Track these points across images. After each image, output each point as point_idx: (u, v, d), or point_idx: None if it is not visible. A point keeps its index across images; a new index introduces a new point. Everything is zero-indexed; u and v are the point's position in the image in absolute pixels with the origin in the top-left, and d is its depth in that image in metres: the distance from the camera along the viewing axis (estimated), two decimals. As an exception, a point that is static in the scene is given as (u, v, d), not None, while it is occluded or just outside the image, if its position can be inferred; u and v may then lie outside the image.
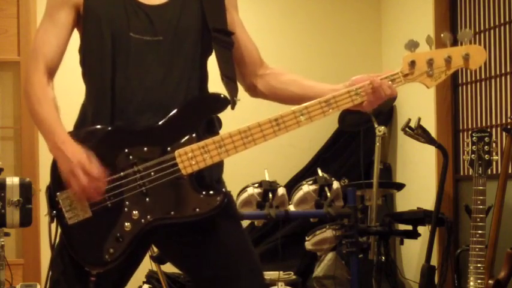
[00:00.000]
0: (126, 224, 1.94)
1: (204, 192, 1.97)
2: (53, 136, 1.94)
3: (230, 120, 2.11)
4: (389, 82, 2.05)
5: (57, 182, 1.95)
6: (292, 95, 2.12)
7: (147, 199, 1.95)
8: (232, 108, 2.04)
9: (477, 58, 2.08)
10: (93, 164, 1.91)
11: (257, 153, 4.57)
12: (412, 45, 2.07)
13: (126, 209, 1.95)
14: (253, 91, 2.21)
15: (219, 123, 2.09)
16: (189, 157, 1.95)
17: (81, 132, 2.00)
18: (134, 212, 1.95)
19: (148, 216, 1.95)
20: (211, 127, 2.04)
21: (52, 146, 1.95)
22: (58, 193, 1.95)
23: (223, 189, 2.05)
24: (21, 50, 4.94)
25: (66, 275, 2.00)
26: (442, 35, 2.09)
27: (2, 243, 3.75)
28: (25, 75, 2.08)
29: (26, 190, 3.69)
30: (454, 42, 2.11)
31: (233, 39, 2.12)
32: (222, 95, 2.02)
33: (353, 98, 2.04)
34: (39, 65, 2.01)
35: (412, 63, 2.05)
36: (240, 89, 2.13)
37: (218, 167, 2.06)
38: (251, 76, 2.19)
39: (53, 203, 1.96)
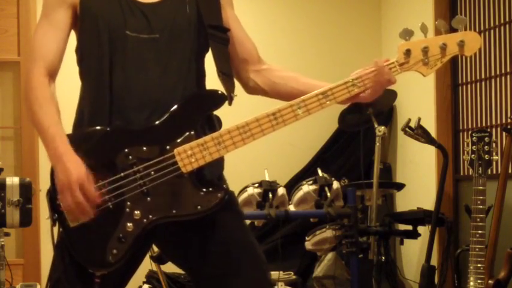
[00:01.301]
0: (128, 224, 1.94)
1: (204, 190, 1.97)
2: (52, 144, 1.92)
3: (228, 116, 2.11)
4: None
5: None
6: (292, 90, 2.11)
7: (148, 199, 1.95)
8: (230, 104, 2.03)
9: (472, 45, 2.07)
10: (91, 184, 1.90)
11: (257, 153, 4.58)
12: (407, 34, 2.07)
13: (127, 209, 1.94)
14: (251, 87, 2.20)
15: (219, 123, 2.09)
16: (189, 155, 1.95)
17: (80, 134, 2.00)
18: (136, 212, 1.94)
19: (150, 216, 1.95)
20: (210, 124, 2.04)
21: (51, 154, 1.93)
22: (59, 196, 1.94)
23: (224, 186, 2.05)
24: (21, 50, 4.94)
25: (68, 274, 2.00)
26: (436, 22, 2.09)
27: (2, 243, 3.74)
28: (25, 78, 2.07)
29: (26, 190, 3.69)
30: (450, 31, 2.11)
31: (229, 35, 2.12)
32: (219, 92, 2.02)
33: (349, 89, 2.04)
34: (40, 67, 2.00)
35: (408, 52, 2.05)
36: (237, 85, 2.13)
37: (218, 164, 2.06)
38: (248, 72, 2.18)
39: (54, 206, 1.95)
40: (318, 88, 2.04)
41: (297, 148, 5.12)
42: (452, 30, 2.11)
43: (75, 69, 2.10)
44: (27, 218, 3.69)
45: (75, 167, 1.89)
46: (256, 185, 3.92)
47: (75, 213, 1.91)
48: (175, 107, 1.98)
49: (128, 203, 1.95)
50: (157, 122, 1.97)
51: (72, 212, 1.91)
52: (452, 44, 2.07)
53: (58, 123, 1.96)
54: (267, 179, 3.96)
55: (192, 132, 1.97)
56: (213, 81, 2.10)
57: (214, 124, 2.06)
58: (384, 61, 2.07)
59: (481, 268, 3.09)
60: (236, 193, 3.84)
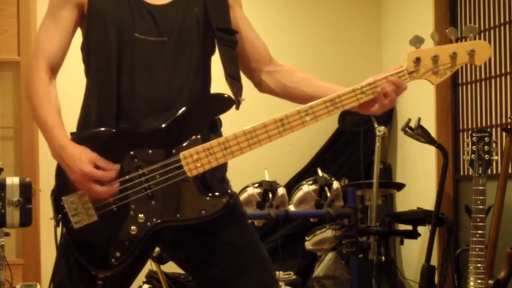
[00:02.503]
0: (132, 227, 1.93)
1: (209, 194, 1.96)
2: (52, 141, 1.93)
3: (234, 120, 2.10)
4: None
5: (62, 186, 1.94)
6: (303, 94, 2.10)
7: (153, 202, 1.94)
8: (237, 108, 2.02)
9: (482, 54, 2.05)
10: (100, 166, 1.90)
11: (257, 153, 4.58)
12: (417, 41, 2.02)
13: (132, 212, 1.94)
14: (262, 87, 2.19)
15: (220, 123, 2.08)
16: (194, 159, 1.94)
17: (85, 134, 1.99)
18: (140, 215, 1.94)
19: (154, 219, 1.94)
20: (215, 128, 2.04)
21: (52, 151, 1.94)
22: (63, 197, 1.94)
23: (228, 190, 2.04)
24: (21, 50, 4.94)
25: (71, 276, 1.99)
26: (447, 30, 2.05)
27: (2, 243, 3.74)
28: (27, 74, 2.07)
29: (26, 190, 3.69)
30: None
31: (237, 37, 2.10)
32: (226, 95, 2.00)
33: (358, 97, 2.00)
34: (41, 64, 2.00)
35: (417, 60, 2.01)
36: (244, 88, 2.11)
37: (222, 167, 2.04)
38: (260, 72, 2.17)
39: (58, 207, 1.95)
40: (330, 92, 2.01)
41: (296, 148, 5.12)
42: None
43: (80, 68, 2.10)
44: (27, 218, 3.69)
45: (76, 163, 1.89)
46: (256, 185, 3.92)
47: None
48: (181, 110, 1.97)
49: (132, 206, 1.94)
50: (163, 125, 1.96)
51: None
52: (462, 53, 2.03)
53: (57, 120, 1.95)
54: (267, 179, 3.96)
55: (199, 136, 1.95)
56: (220, 85, 2.09)
57: (218, 128, 2.05)
58: (394, 69, 2.03)
59: (481, 268, 3.09)
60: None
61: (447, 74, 2.05)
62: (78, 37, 2.10)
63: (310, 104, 1.99)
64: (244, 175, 4.01)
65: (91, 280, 1.96)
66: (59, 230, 1.98)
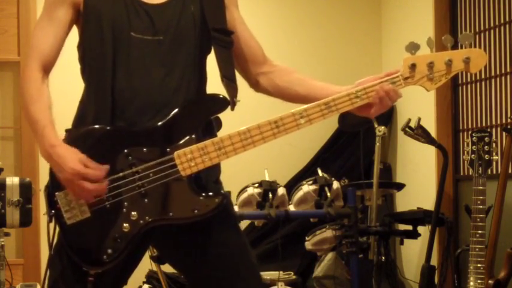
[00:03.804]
0: (125, 224, 1.94)
1: (203, 194, 1.96)
2: (42, 139, 1.92)
3: (229, 121, 2.11)
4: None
5: (56, 182, 1.94)
6: (297, 94, 2.11)
7: (146, 200, 1.95)
8: (232, 109, 2.03)
9: (478, 61, 2.06)
10: (89, 166, 1.89)
11: (257, 153, 4.58)
12: (413, 48, 2.04)
13: (124, 209, 1.94)
14: (257, 87, 2.20)
15: (219, 124, 2.09)
16: (188, 158, 1.95)
17: (80, 132, 1.99)
18: (133, 212, 1.94)
19: (147, 217, 1.95)
20: (211, 128, 2.04)
21: (42, 149, 1.93)
22: (57, 193, 1.95)
23: (222, 191, 2.05)
24: (21, 50, 4.94)
25: (65, 275, 2.00)
26: (443, 38, 2.07)
27: (2, 243, 3.75)
28: (22, 72, 2.08)
29: (26, 190, 3.69)
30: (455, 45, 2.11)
31: (233, 38, 2.11)
32: (221, 96, 2.01)
33: (353, 101, 2.01)
34: (35, 62, 2.01)
35: (413, 66, 2.03)
36: (240, 89, 2.12)
37: (216, 167, 2.05)
38: (255, 73, 2.18)
39: (51, 203, 1.96)
40: (323, 91, 2.04)
41: (296, 148, 5.12)
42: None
43: (75, 66, 2.10)
44: (27, 218, 3.70)
45: (65, 159, 1.88)
46: (256, 185, 3.92)
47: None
48: (177, 109, 1.97)
49: (125, 204, 1.94)
50: (158, 124, 1.97)
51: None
52: (457, 60, 2.05)
53: (49, 119, 1.95)
54: (267, 179, 3.96)
55: (193, 136, 1.96)
56: (215, 85, 2.09)
57: (213, 128, 2.06)
58: (383, 76, 2.04)
59: (481, 268, 3.09)
60: (236, 193, 3.88)
61: (442, 81, 2.07)
62: (75, 36, 2.10)
63: (305, 106, 2.00)
64: (244, 175, 4.02)
65: (85, 279, 1.97)
66: (51, 226, 1.97)
